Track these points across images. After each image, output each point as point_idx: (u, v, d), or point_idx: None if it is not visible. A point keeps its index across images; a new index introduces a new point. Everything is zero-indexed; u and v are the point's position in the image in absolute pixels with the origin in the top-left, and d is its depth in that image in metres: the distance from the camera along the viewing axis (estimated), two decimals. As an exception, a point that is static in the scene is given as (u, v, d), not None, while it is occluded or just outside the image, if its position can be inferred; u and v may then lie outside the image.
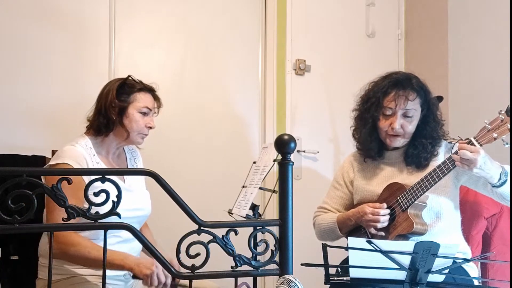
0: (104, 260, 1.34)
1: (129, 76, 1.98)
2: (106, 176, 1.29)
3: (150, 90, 2.00)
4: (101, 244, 1.36)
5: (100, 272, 1.72)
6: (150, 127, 1.98)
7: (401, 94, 1.95)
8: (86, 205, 1.29)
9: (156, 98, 2.02)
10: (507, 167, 1.82)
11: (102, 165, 1.89)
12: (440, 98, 2.50)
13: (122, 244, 1.84)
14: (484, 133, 1.73)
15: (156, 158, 2.34)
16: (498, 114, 1.71)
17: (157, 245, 2.08)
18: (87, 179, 1.78)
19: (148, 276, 1.68)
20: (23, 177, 1.24)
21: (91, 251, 1.71)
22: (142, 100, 1.95)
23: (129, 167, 2.05)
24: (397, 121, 1.95)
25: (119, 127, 1.92)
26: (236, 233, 1.36)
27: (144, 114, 1.95)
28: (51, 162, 1.84)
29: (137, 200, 1.95)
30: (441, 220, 1.91)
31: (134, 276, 1.72)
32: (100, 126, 1.90)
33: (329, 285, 1.70)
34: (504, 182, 1.80)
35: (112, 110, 1.90)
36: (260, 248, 1.39)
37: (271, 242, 1.40)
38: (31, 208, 1.25)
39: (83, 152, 1.84)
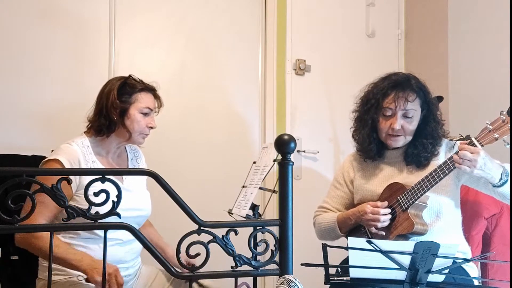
0: (104, 260, 1.34)
1: (130, 75, 1.98)
2: (106, 176, 1.29)
3: (151, 90, 1.99)
4: (101, 245, 1.36)
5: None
6: (151, 127, 1.98)
7: (401, 95, 1.95)
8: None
9: (157, 97, 2.01)
10: (507, 166, 1.82)
11: (98, 163, 1.89)
12: (440, 98, 2.50)
13: (120, 246, 1.84)
14: (485, 133, 1.73)
15: (156, 158, 2.34)
16: (500, 115, 1.71)
17: (163, 242, 2.10)
18: (74, 179, 1.78)
19: (99, 284, 1.61)
20: (23, 177, 1.24)
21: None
22: (143, 100, 1.95)
23: (130, 167, 2.05)
24: (397, 121, 1.95)
25: (121, 127, 1.92)
26: (236, 233, 1.36)
27: (145, 114, 1.95)
28: (45, 159, 1.85)
29: (135, 200, 1.94)
30: (440, 220, 1.91)
31: (87, 280, 1.66)
32: (102, 127, 1.90)
33: (329, 285, 1.69)
34: (505, 182, 1.80)
35: (114, 111, 1.89)
36: (260, 248, 1.39)
37: (271, 242, 1.40)
38: (31, 208, 1.25)
39: (78, 151, 1.84)
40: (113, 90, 1.91)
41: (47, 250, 1.61)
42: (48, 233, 1.70)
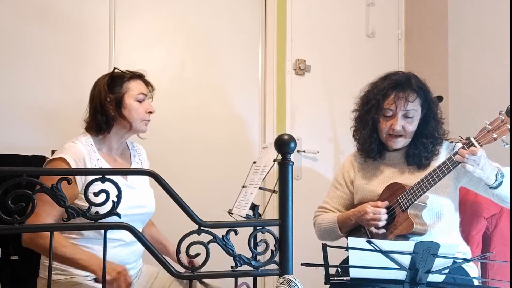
0: (104, 260, 1.34)
1: (115, 68, 1.98)
2: (106, 176, 1.29)
3: (139, 76, 1.99)
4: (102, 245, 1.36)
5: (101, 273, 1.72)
6: (151, 112, 1.98)
7: (401, 96, 1.95)
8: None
9: (147, 83, 2.01)
10: (504, 169, 1.82)
11: (102, 161, 1.89)
12: (440, 98, 2.50)
13: (123, 247, 1.84)
14: (484, 133, 1.73)
15: (156, 158, 2.33)
16: (498, 115, 1.70)
17: (164, 238, 2.10)
18: (80, 178, 1.79)
19: (108, 282, 1.63)
20: (23, 177, 1.24)
21: (58, 246, 1.69)
22: (135, 87, 1.95)
23: (133, 163, 2.04)
24: (397, 122, 1.95)
25: (120, 119, 1.92)
26: (236, 233, 1.37)
27: (141, 101, 1.95)
28: (50, 158, 1.85)
29: (140, 197, 1.94)
30: (441, 221, 1.91)
31: (96, 280, 1.68)
32: (100, 124, 1.90)
33: (329, 285, 1.70)
34: (501, 183, 1.80)
35: (109, 105, 1.90)
36: (260, 248, 1.39)
37: (271, 242, 1.41)
38: (31, 208, 1.25)
39: (83, 149, 1.84)
40: (103, 85, 1.91)
41: (54, 249, 1.64)
42: (59, 234, 1.73)
